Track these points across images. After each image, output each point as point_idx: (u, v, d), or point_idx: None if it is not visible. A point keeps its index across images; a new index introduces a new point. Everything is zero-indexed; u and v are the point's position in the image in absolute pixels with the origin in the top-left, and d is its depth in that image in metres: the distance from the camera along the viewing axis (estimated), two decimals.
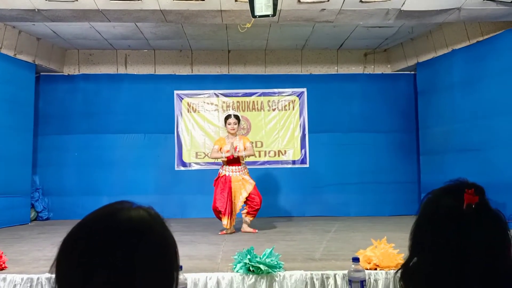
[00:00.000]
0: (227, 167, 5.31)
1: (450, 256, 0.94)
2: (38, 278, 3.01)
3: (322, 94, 7.49)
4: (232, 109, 7.19)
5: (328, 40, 7.13)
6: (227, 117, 5.45)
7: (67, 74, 7.46)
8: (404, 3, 4.93)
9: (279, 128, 7.52)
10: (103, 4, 4.86)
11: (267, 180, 6.99)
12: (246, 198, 5.24)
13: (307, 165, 7.45)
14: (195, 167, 7.40)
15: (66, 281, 0.81)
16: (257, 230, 5.31)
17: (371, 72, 7.70)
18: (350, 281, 2.43)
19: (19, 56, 6.50)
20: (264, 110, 7.55)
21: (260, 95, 7.56)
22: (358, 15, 5.20)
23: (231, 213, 5.20)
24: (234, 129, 5.38)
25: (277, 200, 7.21)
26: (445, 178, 1.06)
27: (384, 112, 7.49)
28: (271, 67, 7.64)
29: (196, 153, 7.43)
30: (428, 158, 6.99)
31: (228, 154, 5.25)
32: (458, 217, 0.96)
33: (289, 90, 7.57)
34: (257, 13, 4.49)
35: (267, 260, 3.00)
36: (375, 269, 3.04)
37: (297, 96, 7.57)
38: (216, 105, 7.51)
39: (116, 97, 7.39)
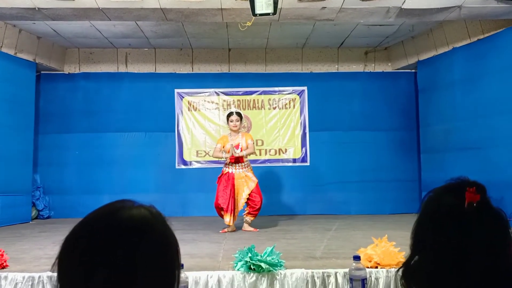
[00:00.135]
0: (231, 164, 5.32)
1: (451, 255, 0.94)
2: (39, 277, 3.02)
3: (323, 93, 7.48)
4: (234, 107, 7.18)
5: (329, 39, 7.12)
6: (229, 114, 5.45)
7: (67, 73, 7.46)
8: (404, 1, 4.92)
9: (279, 126, 7.52)
10: (104, 3, 4.86)
11: (268, 178, 6.99)
12: (247, 197, 5.25)
13: (308, 164, 7.44)
14: (195, 165, 7.40)
15: (67, 279, 0.81)
16: (258, 230, 5.31)
17: (371, 70, 7.69)
18: (351, 280, 2.41)
19: (19, 55, 6.50)
20: (264, 109, 7.54)
21: (260, 94, 7.55)
22: (358, 13, 5.20)
23: (233, 210, 5.20)
24: (236, 127, 5.38)
25: (278, 198, 7.21)
26: (446, 176, 1.06)
27: (385, 110, 7.49)
28: (271, 66, 7.63)
29: (197, 151, 7.43)
30: (429, 156, 6.99)
31: (228, 155, 5.26)
32: (459, 215, 0.96)
33: (290, 89, 7.56)
34: (257, 11, 4.48)
35: (268, 259, 3.01)
36: (376, 267, 3.05)
37: (298, 94, 7.56)
38: (216, 103, 7.51)
39: (117, 95, 7.39)
